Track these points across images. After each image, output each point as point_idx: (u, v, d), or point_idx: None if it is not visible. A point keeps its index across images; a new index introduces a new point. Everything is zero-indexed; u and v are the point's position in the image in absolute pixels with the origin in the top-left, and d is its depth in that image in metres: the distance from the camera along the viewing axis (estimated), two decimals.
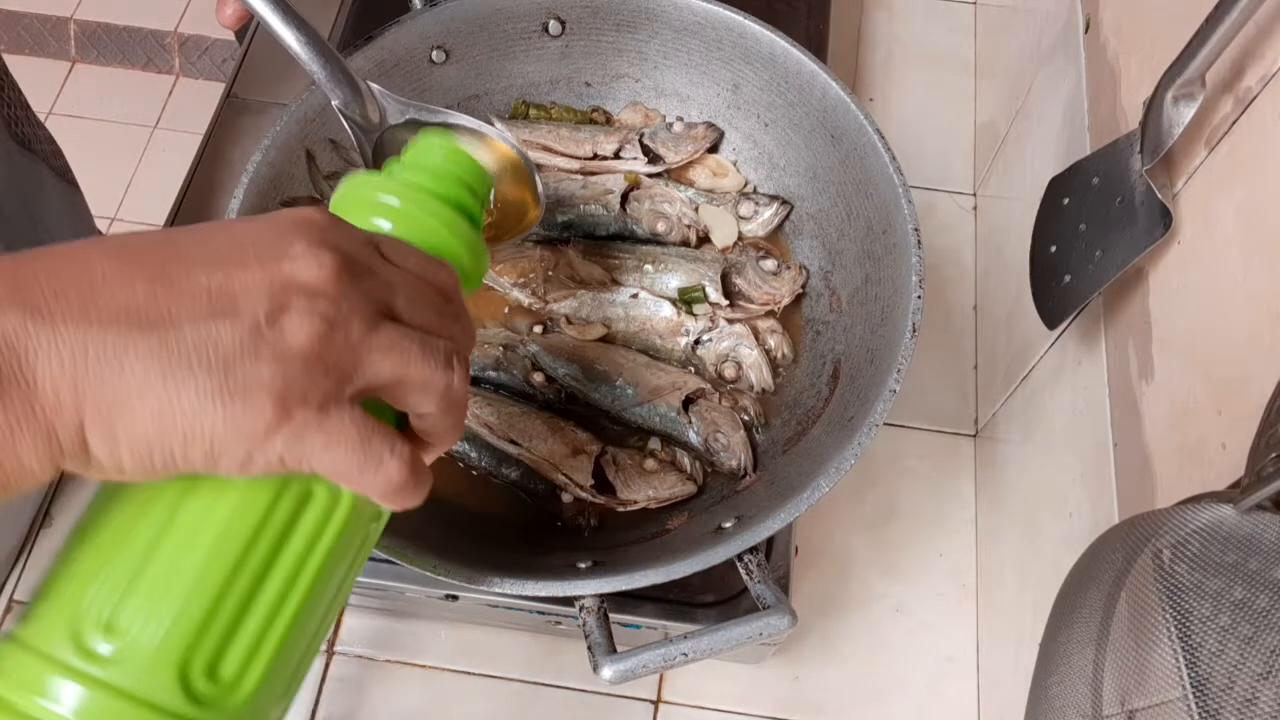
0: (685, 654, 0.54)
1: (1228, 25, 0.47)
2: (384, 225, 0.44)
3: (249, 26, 0.96)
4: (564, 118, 0.79)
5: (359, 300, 0.35)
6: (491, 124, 0.70)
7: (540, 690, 0.75)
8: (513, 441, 0.66)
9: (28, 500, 0.71)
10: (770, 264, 0.73)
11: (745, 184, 0.78)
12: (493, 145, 0.65)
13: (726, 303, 0.71)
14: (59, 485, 0.76)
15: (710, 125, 0.77)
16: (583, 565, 0.61)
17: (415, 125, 0.64)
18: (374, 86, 0.62)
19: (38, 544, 0.74)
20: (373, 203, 0.44)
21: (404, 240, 0.41)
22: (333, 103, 0.60)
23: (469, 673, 0.75)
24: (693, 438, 0.68)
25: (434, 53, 0.74)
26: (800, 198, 0.75)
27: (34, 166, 0.70)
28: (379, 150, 0.63)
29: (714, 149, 0.78)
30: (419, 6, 0.73)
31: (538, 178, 0.65)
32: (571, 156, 0.77)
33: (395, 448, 0.36)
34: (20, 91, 0.72)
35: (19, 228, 0.66)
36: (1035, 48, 0.85)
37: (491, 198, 0.51)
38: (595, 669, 0.53)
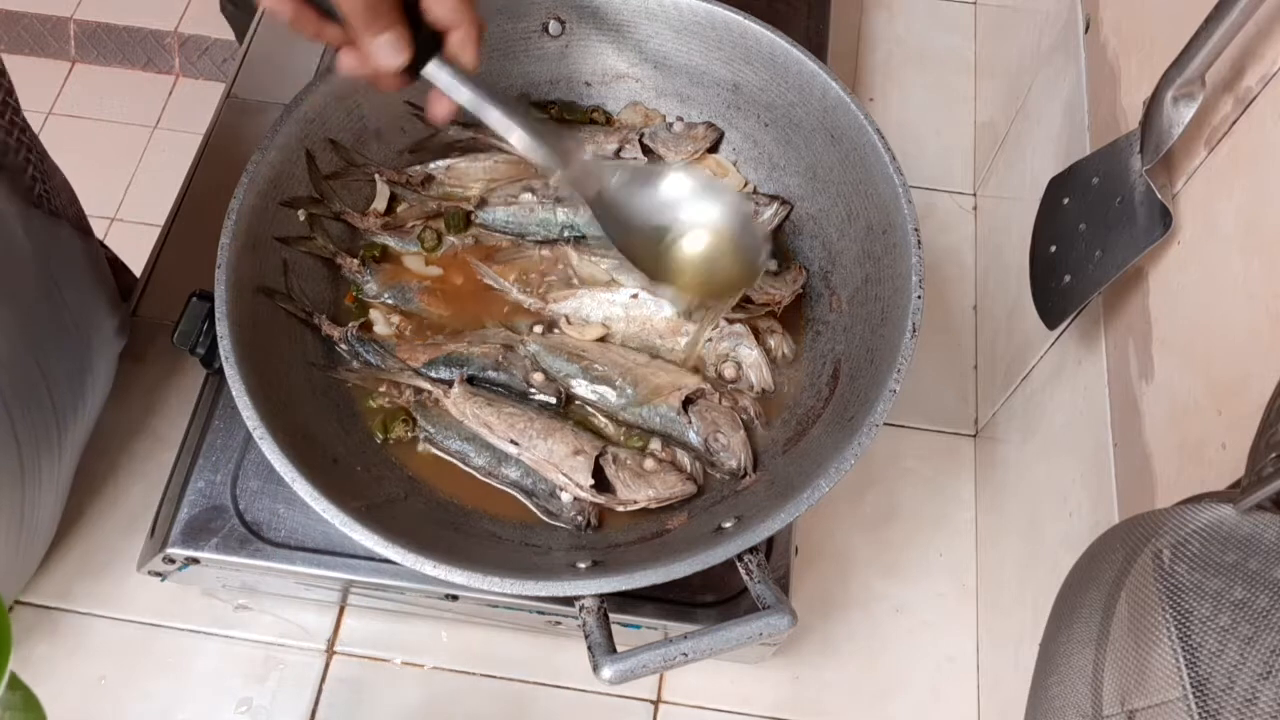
0: (685, 654, 0.54)
1: (1228, 25, 0.47)
2: None
3: (248, 27, 0.96)
4: (564, 118, 0.79)
5: None
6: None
7: (540, 690, 0.75)
8: (513, 441, 0.66)
9: None
10: (770, 264, 0.73)
11: (745, 184, 0.78)
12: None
13: None
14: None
15: (710, 125, 0.77)
16: (583, 565, 0.61)
17: (636, 185, 0.65)
18: (588, 158, 0.63)
19: None
20: None
21: None
22: (558, 176, 0.61)
23: (469, 673, 0.75)
24: (693, 438, 0.68)
25: None
26: (800, 198, 0.75)
27: (56, 227, 0.70)
28: (607, 216, 0.64)
29: (714, 149, 0.78)
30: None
31: (761, 243, 0.66)
32: None
33: None
34: (38, 141, 0.71)
35: (36, 290, 0.66)
36: (1035, 48, 0.85)
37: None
38: (595, 669, 0.53)
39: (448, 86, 0.57)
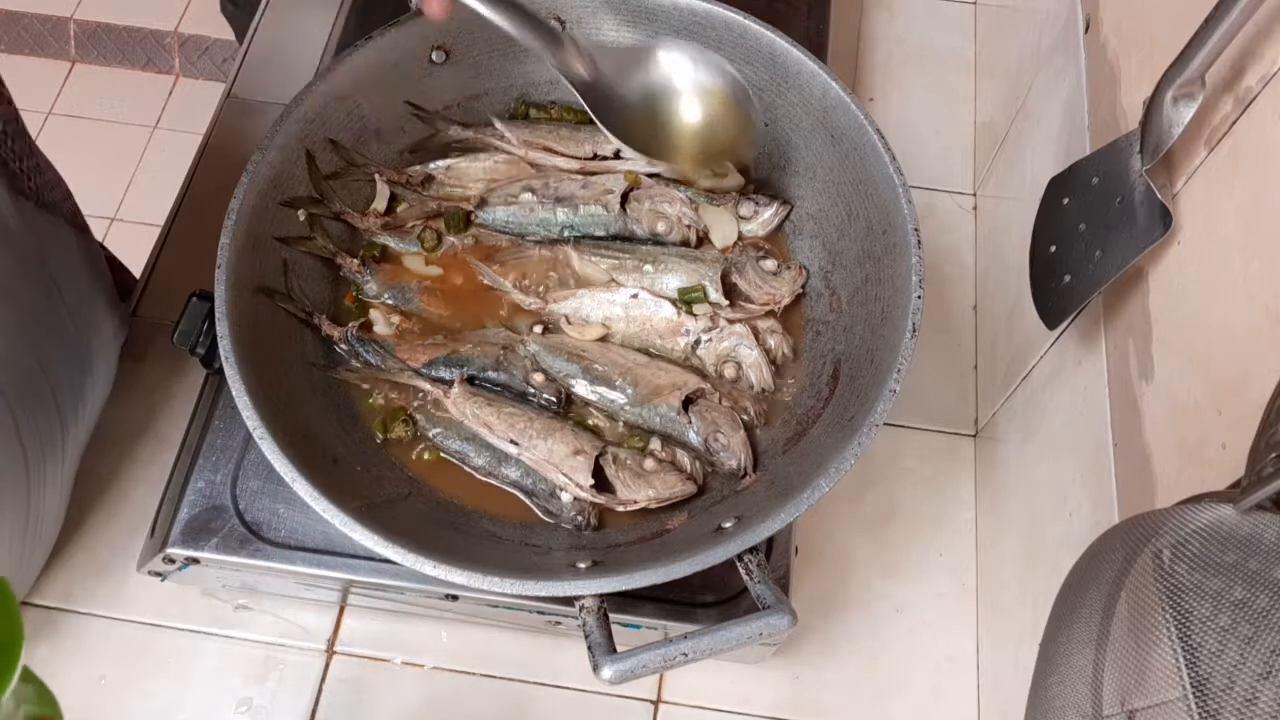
0: (685, 654, 0.54)
1: (1228, 25, 0.47)
2: None
3: (248, 27, 0.96)
4: (564, 118, 0.79)
5: None
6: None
7: (540, 690, 0.75)
8: (513, 441, 0.66)
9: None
10: (770, 264, 0.73)
11: (745, 184, 0.78)
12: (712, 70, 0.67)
13: (727, 303, 0.71)
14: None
15: None
16: (583, 565, 0.61)
17: (625, 66, 0.67)
18: (578, 39, 0.65)
19: None
20: None
21: None
22: (548, 62, 0.63)
23: (469, 673, 0.75)
24: (693, 438, 0.68)
25: (434, 53, 0.74)
26: (800, 198, 0.75)
27: (51, 222, 0.70)
28: (602, 106, 0.65)
29: None
30: (419, 6, 0.73)
31: (753, 102, 0.68)
32: (571, 156, 0.77)
33: None
34: (27, 133, 0.71)
35: (35, 289, 0.66)
36: (1035, 48, 0.85)
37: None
38: (595, 669, 0.53)
39: None
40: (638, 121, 0.67)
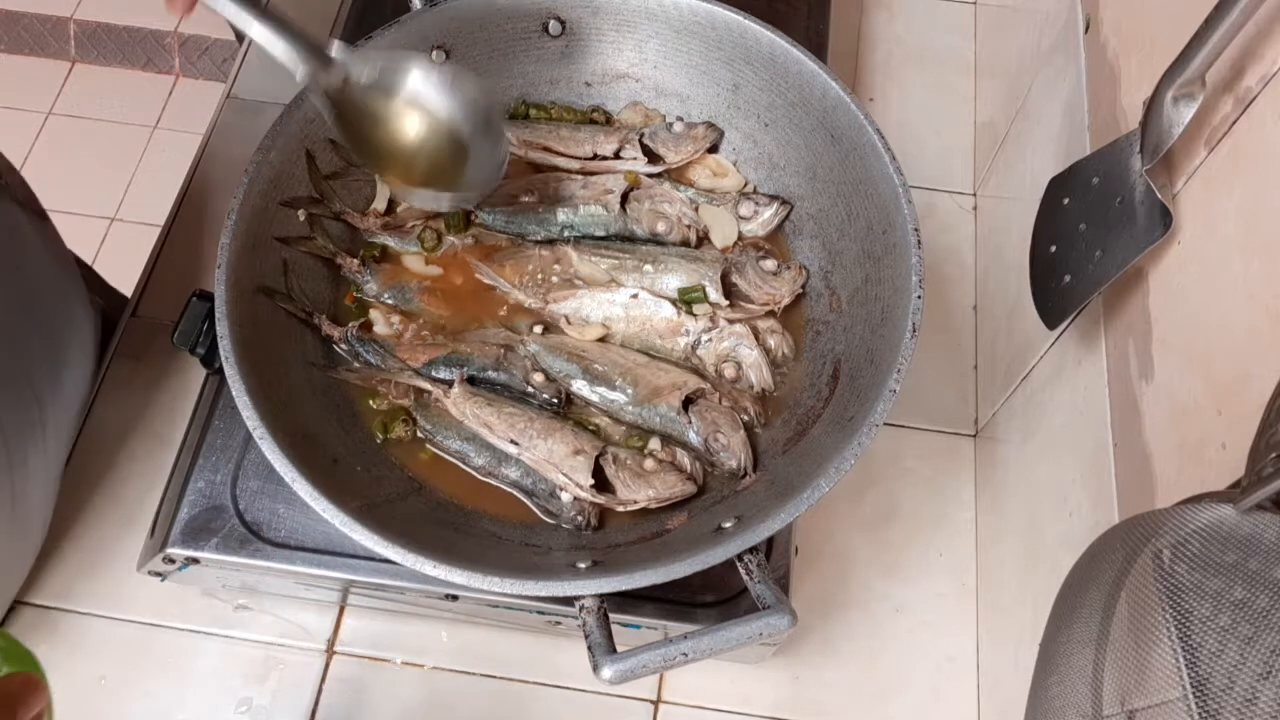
0: (685, 654, 0.54)
1: (1228, 25, 0.47)
2: None
3: None
4: (564, 118, 0.79)
5: None
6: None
7: (540, 690, 0.75)
8: (513, 441, 0.66)
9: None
10: (770, 264, 0.73)
11: (745, 184, 0.78)
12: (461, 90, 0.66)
13: (727, 303, 0.71)
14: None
15: (710, 125, 0.77)
16: (583, 565, 0.61)
17: (382, 87, 0.65)
18: (335, 55, 0.62)
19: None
20: None
21: None
22: (296, 76, 0.60)
23: (469, 673, 0.75)
24: (693, 438, 0.68)
25: (434, 53, 0.74)
26: (800, 198, 0.75)
27: (7, 207, 0.69)
28: (347, 115, 0.63)
29: (714, 149, 0.78)
30: (419, 6, 0.73)
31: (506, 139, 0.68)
32: (571, 156, 0.77)
33: None
34: None
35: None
36: (1035, 48, 0.85)
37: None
38: (595, 669, 0.53)
39: None
40: (384, 145, 0.65)
